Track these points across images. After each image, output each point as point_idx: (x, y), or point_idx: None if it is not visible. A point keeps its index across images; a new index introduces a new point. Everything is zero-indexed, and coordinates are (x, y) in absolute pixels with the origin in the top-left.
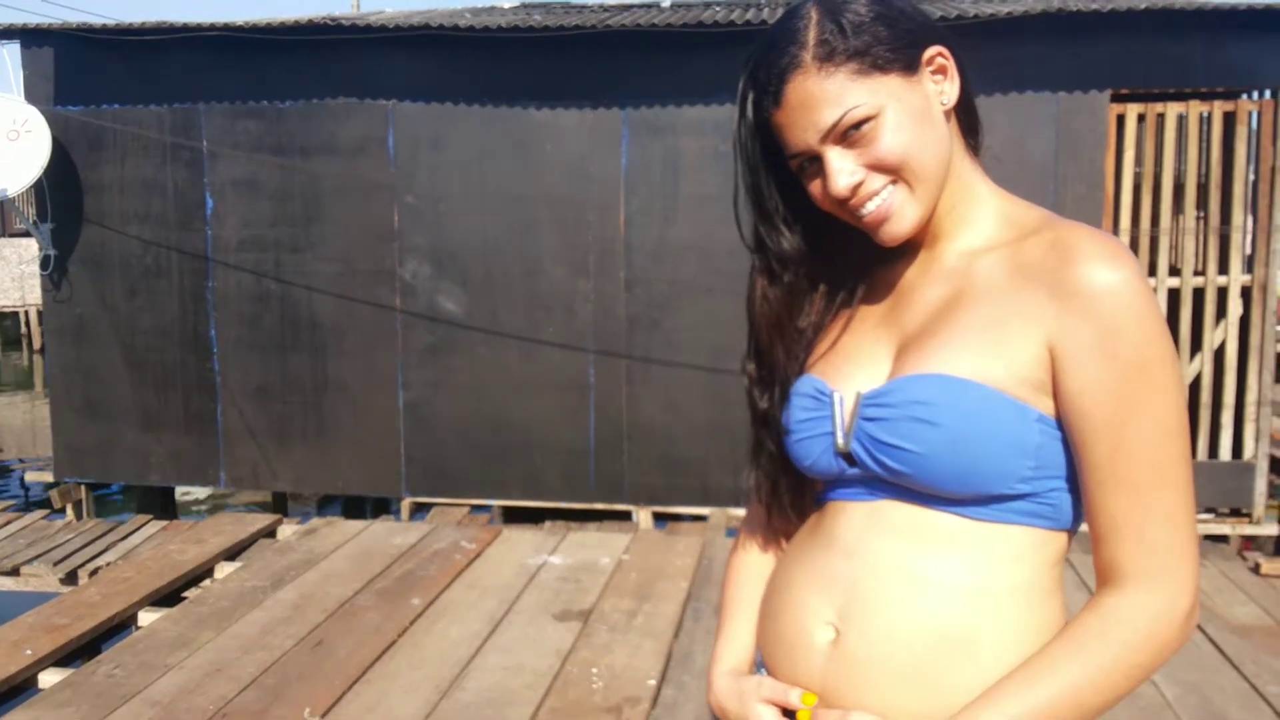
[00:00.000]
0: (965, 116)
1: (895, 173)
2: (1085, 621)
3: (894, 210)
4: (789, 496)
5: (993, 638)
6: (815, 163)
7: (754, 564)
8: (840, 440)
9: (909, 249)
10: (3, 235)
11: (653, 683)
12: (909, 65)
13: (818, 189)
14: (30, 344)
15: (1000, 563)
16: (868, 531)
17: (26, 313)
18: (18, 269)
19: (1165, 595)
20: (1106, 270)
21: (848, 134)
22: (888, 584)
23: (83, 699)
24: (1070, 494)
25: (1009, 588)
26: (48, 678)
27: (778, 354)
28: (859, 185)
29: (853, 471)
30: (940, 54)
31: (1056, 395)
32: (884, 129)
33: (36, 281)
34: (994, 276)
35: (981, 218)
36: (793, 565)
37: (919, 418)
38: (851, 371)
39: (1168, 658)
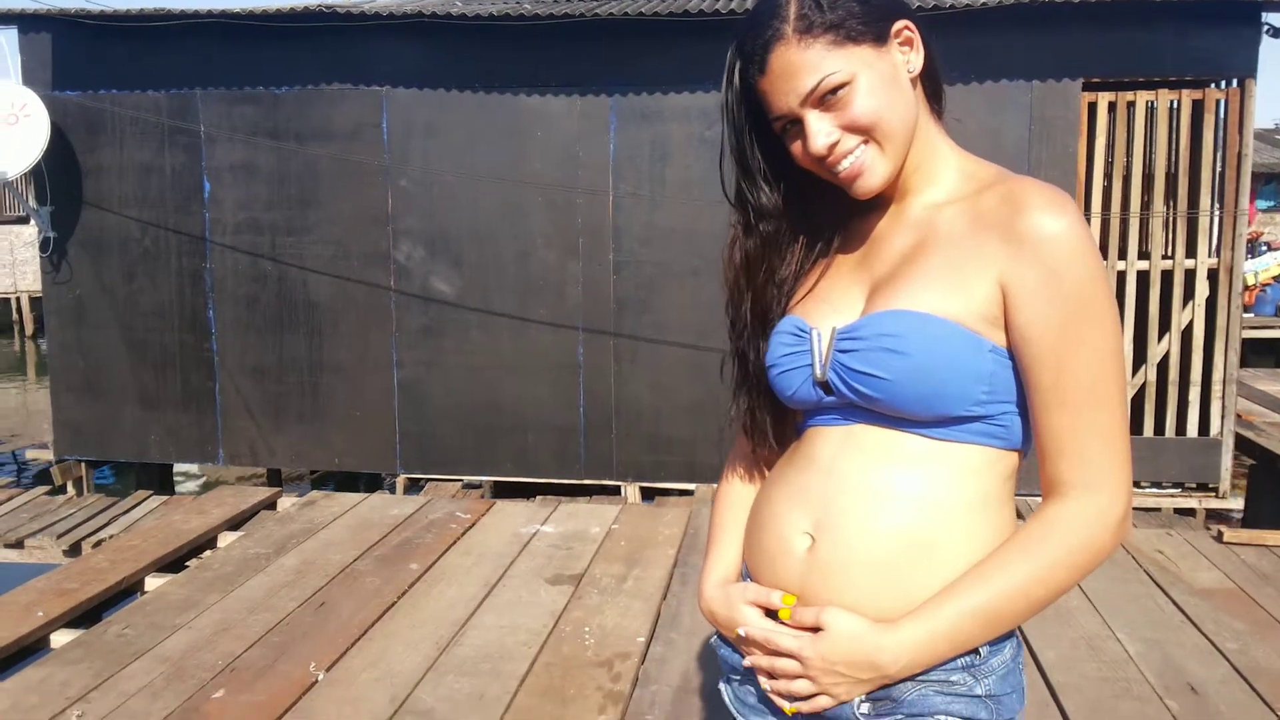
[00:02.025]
0: (929, 83)
1: (867, 133)
2: (1031, 527)
3: (866, 166)
4: (771, 428)
5: (951, 542)
6: (796, 125)
7: (739, 490)
8: (818, 371)
9: (879, 202)
10: None
11: (642, 640)
12: (879, 37)
13: (798, 149)
14: (22, 330)
15: (958, 477)
16: (842, 452)
17: (19, 299)
18: (9, 256)
19: (1102, 503)
20: (1051, 218)
21: (825, 98)
22: (859, 497)
23: (95, 656)
24: (1020, 417)
25: (966, 500)
26: (59, 638)
27: (750, 297)
28: (835, 144)
29: (829, 400)
30: (907, 27)
31: (1008, 328)
32: (857, 93)
33: (29, 268)
34: (954, 226)
35: (944, 174)
36: (774, 485)
37: (888, 348)
38: (828, 311)
39: (1105, 558)
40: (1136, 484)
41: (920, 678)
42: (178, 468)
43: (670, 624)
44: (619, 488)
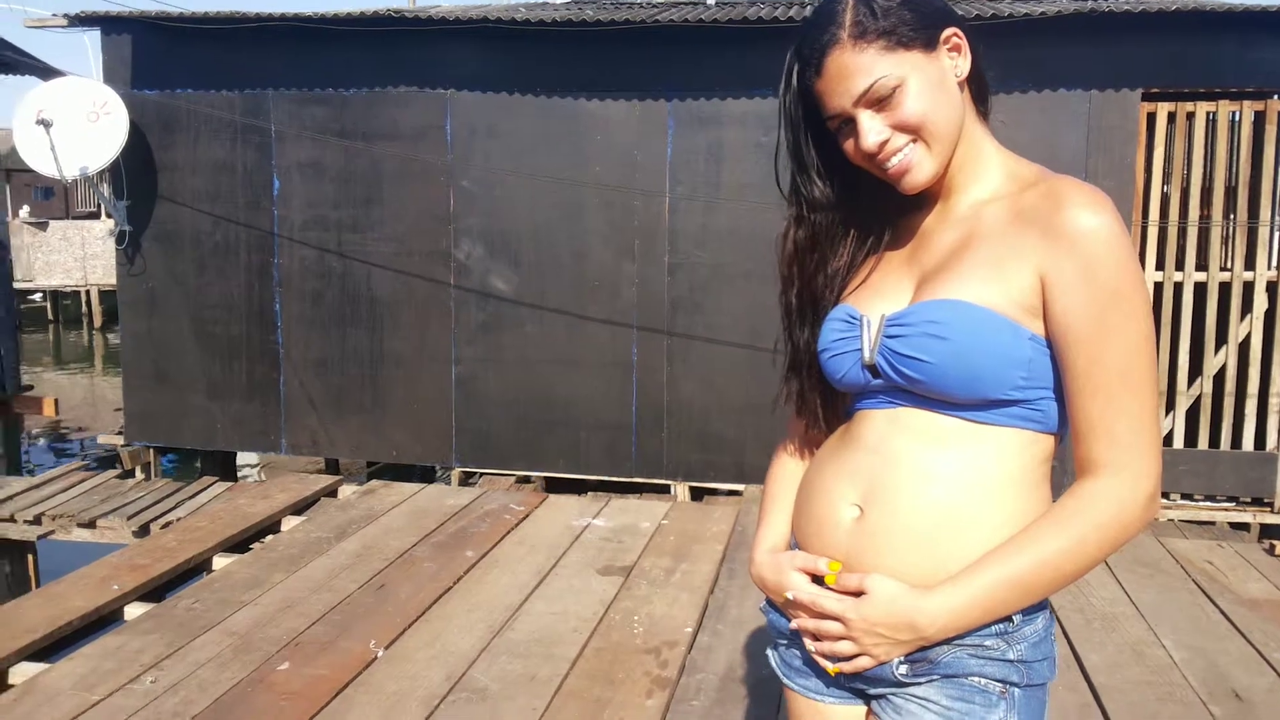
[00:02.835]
0: (976, 87)
1: (916, 132)
2: (1064, 503)
3: (914, 164)
4: (821, 410)
5: (988, 518)
6: (849, 124)
7: (790, 468)
8: (867, 355)
9: (927, 200)
10: (66, 218)
11: (689, 630)
12: (929, 43)
13: (851, 146)
14: (91, 323)
15: (997, 458)
16: (888, 433)
17: (88, 292)
18: (80, 250)
19: (1131, 481)
20: (1089, 215)
21: (877, 100)
22: (903, 474)
23: (165, 628)
24: (1056, 402)
25: (1002, 478)
26: (132, 610)
27: (799, 284)
28: (885, 142)
29: (876, 383)
30: (955, 34)
31: (1046, 318)
32: (907, 95)
33: (99, 262)
34: (997, 221)
35: (988, 173)
36: (825, 462)
37: (932, 334)
38: (878, 301)
39: (1133, 534)
40: (1190, 497)
41: (955, 641)
42: (239, 458)
43: (717, 615)
44: (669, 486)
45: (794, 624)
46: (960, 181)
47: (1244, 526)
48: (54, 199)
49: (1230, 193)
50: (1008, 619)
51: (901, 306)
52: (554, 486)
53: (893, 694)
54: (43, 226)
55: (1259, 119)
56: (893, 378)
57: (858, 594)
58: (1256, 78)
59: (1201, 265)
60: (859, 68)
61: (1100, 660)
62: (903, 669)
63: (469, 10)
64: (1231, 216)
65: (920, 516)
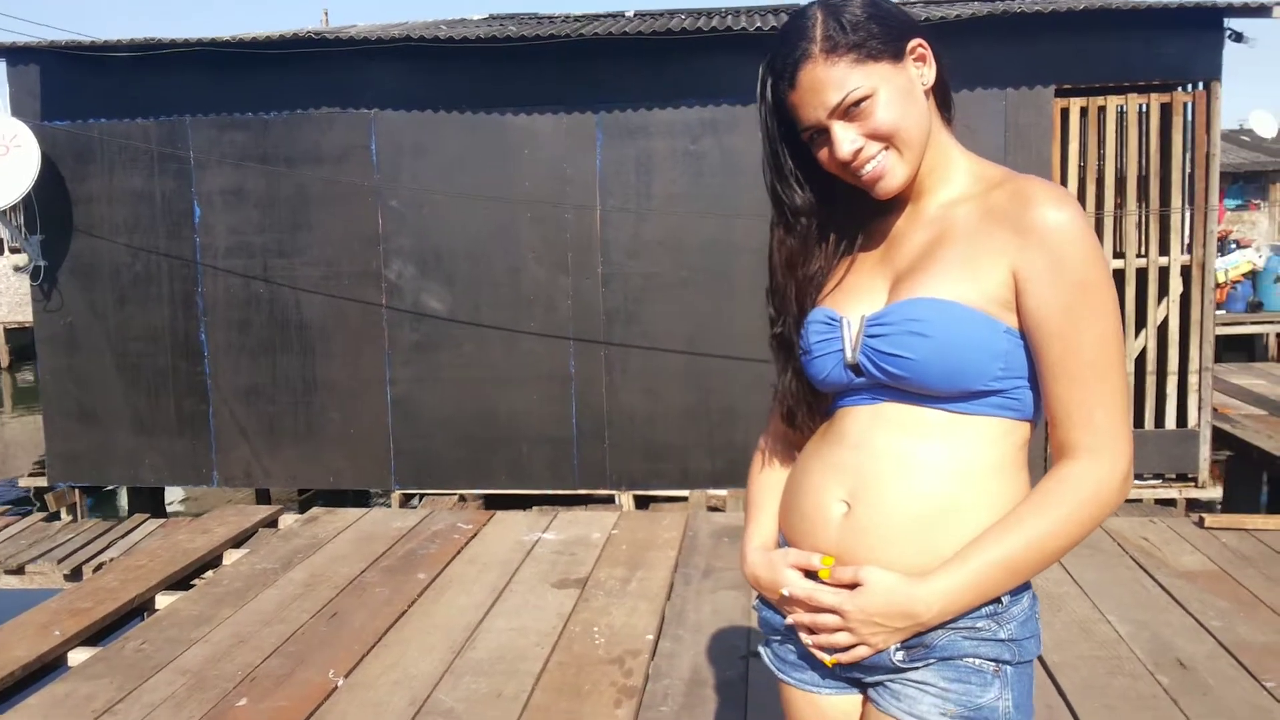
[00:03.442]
0: (941, 95)
1: (887, 140)
2: (1045, 486)
3: (887, 170)
4: (804, 410)
5: (973, 504)
6: (823, 134)
7: (773, 467)
8: (849, 355)
9: (898, 203)
10: None
11: (650, 637)
12: (896, 54)
13: (825, 155)
14: None
15: (977, 446)
16: (871, 428)
17: None
18: None
19: (1107, 463)
20: (1055, 211)
21: (849, 110)
22: (888, 467)
23: (115, 671)
24: (1031, 391)
25: (984, 466)
26: (76, 655)
27: (791, 290)
28: (859, 151)
29: (859, 380)
30: (920, 45)
31: (1019, 311)
32: (878, 105)
33: (3, 299)
34: (968, 221)
35: (955, 175)
36: (810, 460)
37: (914, 331)
38: (855, 302)
39: (1110, 511)
40: None
41: (949, 625)
42: (166, 494)
43: (677, 621)
44: (613, 496)
45: (790, 619)
46: (929, 185)
47: (1170, 502)
48: None
49: (1142, 181)
50: (997, 600)
51: (878, 307)
52: (496, 504)
53: (890, 680)
54: None
55: (1165, 110)
56: (876, 375)
57: (852, 586)
58: (1162, 71)
59: (1119, 253)
60: (831, 81)
61: (1050, 638)
62: (900, 655)
63: (389, 29)
64: (1144, 204)
65: (908, 508)
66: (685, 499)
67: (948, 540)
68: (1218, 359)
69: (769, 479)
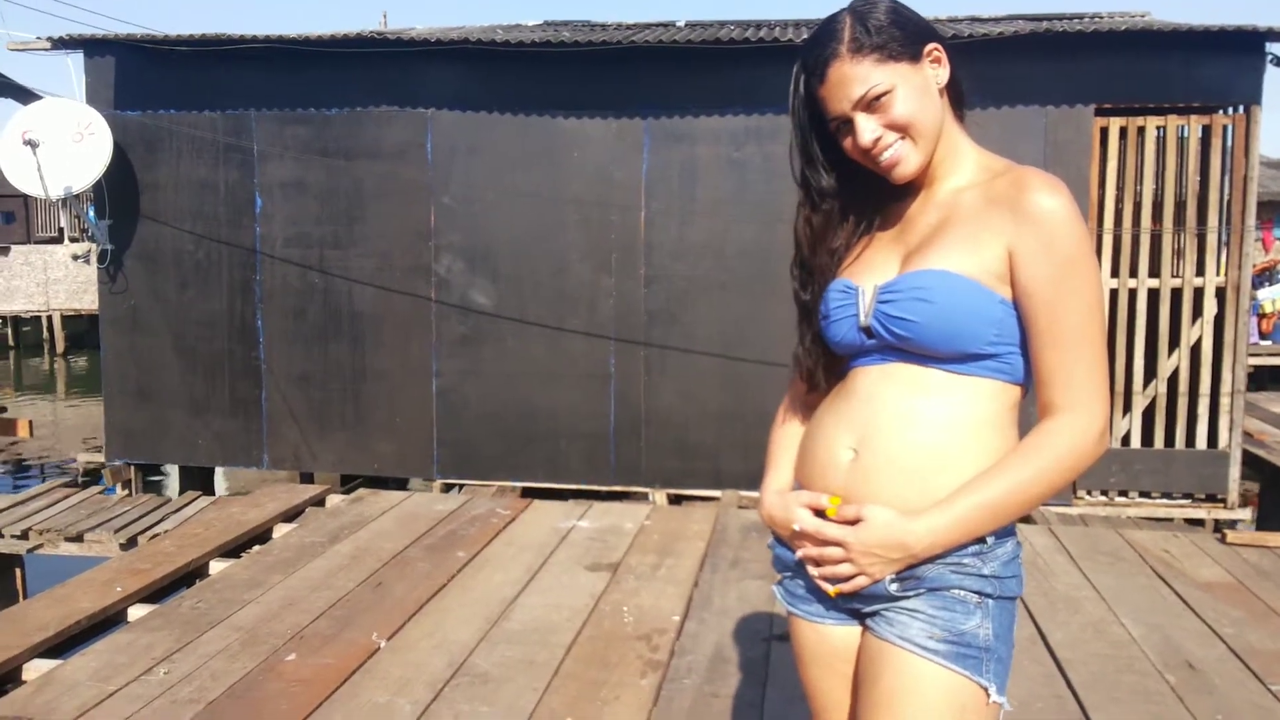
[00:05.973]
0: (954, 93)
1: (904, 131)
2: (1030, 439)
3: (902, 157)
4: (822, 371)
5: (964, 454)
6: (848, 124)
7: (792, 422)
8: (862, 319)
9: (913, 189)
10: (28, 242)
11: (677, 618)
12: (914, 56)
13: (849, 143)
14: (53, 349)
15: (972, 404)
16: (879, 385)
17: (50, 318)
18: (43, 275)
19: (1086, 418)
20: (1048, 198)
21: (871, 103)
22: (892, 419)
23: (173, 625)
24: (1022, 357)
25: (977, 421)
26: (135, 611)
27: (815, 262)
28: (879, 139)
29: (870, 343)
30: (936, 48)
31: (1013, 284)
32: (897, 100)
33: (61, 287)
34: (972, 205)
35: (964, 165)
36: (824, 413)
37: (919, 298)
38: (870, 274)
39: (1088, 464)
40: (1148, 495)
41: (939, 559)
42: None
43: (703, 605)
44: (647, 494)
45: (799, 554)
46: (940, 172)
47: (1199, 523)
48: (15, 224)
49: (1180, 203)
50: (982, 540)
51: (891, 277)
52: (533, 496)
53: (885, 609)
54: (4, 252)
55: (1205, 132)
56: (885, 337)
57: (855, 523)
58: (1202, 93)
59: (1154, 272)
60: (856, 77)
61: (1064, 637)
62: (894, 585)
63: (448, 32)
64: (1182, 226)
65: (908, 455)
66: (717, 499)
67: (941, 484)
68: (1263, 388)
69: (787, 433)
